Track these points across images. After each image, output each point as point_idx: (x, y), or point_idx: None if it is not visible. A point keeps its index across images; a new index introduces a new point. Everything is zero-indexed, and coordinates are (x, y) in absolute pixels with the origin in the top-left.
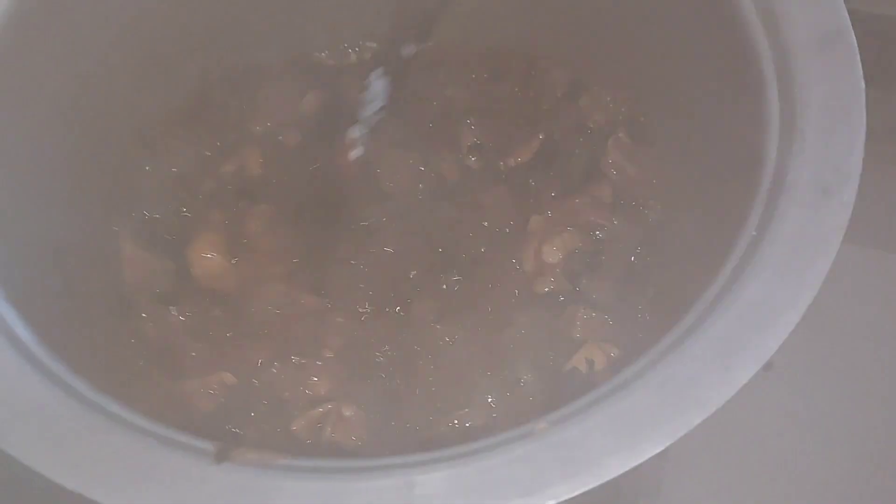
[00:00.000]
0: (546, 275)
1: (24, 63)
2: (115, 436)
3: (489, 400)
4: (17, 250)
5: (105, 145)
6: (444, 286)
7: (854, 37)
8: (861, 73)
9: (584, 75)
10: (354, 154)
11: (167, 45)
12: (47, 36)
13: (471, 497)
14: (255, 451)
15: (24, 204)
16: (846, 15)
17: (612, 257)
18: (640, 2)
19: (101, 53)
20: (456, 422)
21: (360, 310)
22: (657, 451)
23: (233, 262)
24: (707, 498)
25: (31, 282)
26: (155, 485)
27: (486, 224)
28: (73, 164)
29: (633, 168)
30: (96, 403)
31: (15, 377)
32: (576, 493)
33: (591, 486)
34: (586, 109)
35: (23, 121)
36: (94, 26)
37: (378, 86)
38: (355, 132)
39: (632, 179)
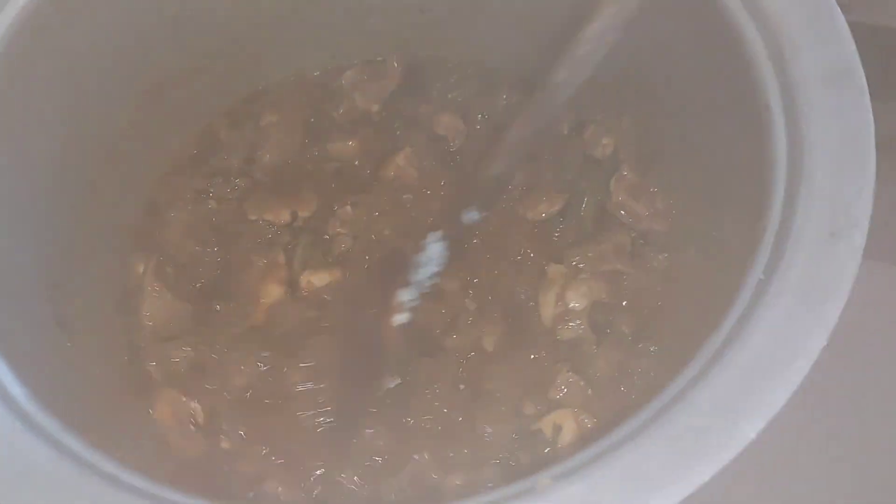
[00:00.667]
0: (569, 320)
1: (22, 97)
2: (108, 498)
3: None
4: (9, 288)
5: (109, 183)
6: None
7: (863, 75)
8: (870, 110)
9: (586, 112)
10: (399, 319)
11: (166, 74)
12: (44, 72)
13: None
14: None
15: (21, 239)
16: (855, 52)
17: (630, 313)
18: (644, 38)
19: (100, 85)
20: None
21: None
22: None
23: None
24: None
25: (23, 325)
26: None
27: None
28: (74, 201)
29: (640, 206)
30: (90, 463)
31: (6, 437)
32: None
33: None
34: (591, 143)
35: (20, 154)
36: (91, 58)
37: (435, 250)
38: (405, 296)
39: (640, 217)
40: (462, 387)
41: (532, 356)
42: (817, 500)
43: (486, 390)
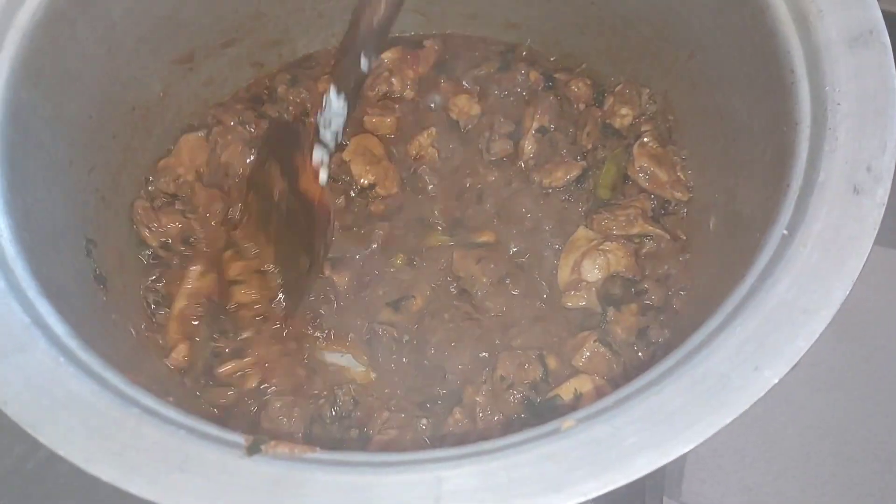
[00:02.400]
0: (580, 292)
1: (62, 57)
2: (148, 428)
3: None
4: (50, 242)
5: (143, 147)
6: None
7: (887, 36)
8: (894, 69)
9: (607, 77)
10: (322, 178)
11: (198, 43)
12: (83, 34)
13: (500, 492)
14: (285, 445)
15: (58, 196)
16: (879, 14)
17: (651, 284)
18: (668, 11)
19: (135, 50)
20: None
21: None
22: (686, 450)
23: None
24: (728, 496)
25: (64, 275)
26: (191, 477)
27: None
28: (107, 160)
29: (662, 172)
30: (129, 396)
31: (50, 369)
32: (605, 490)
33: (620, 483)
34: (610, 113)
35: (58, 111)
36: (127, 24)
37: (336, 104)
38: (319, 154)
39: (661, 183)
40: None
41: (548, 321)
42: (825, 485)
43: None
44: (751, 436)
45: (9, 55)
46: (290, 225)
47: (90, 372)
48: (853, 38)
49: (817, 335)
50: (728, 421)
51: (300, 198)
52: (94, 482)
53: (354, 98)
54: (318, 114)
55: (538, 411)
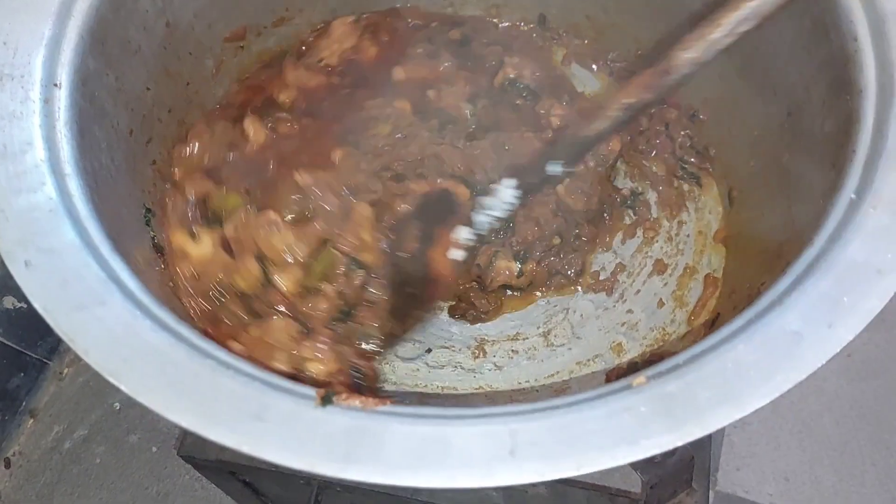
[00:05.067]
0: None
1: (123, 27)
2: (224, 379)
3: None
4: (115, 207)
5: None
6: None
7: None
8: None
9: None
10: (453, 255)
11: (250, 20)
12: (143, 4)
13: (574, 444)
14: (356, 398)
15: (121, 163)
16: None
17: None
18: None
19: (190, 25)
20: None
21: None
22: (761, 404)
23: None
24: (764, 483)
25: (129, 240)
26: (270, 426)
27: None
28: (163, 133)
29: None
30: (203, 349)
31: (127, 322)
32: (682, 442)
33: (696, 436)
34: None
35: (118, 83)
36: None
37: (505, 196)
38: (462, 234)
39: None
40: None
41: None
42: (862, 476)
43: None
44: (786, 424)
45: (77, 23)
46: (399, 286)
47: (165, 326)
48: None
49: (891, 294)
50: (804, 376)
51: (423, 265)
52: (128, 462)
53: (525, 197)
54: (478, 195)
55: None
